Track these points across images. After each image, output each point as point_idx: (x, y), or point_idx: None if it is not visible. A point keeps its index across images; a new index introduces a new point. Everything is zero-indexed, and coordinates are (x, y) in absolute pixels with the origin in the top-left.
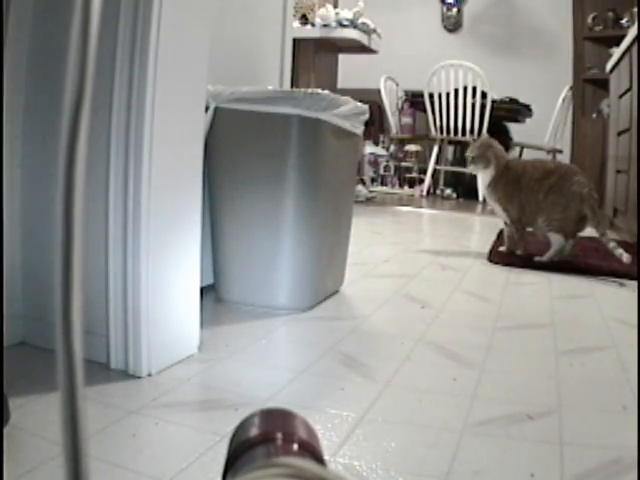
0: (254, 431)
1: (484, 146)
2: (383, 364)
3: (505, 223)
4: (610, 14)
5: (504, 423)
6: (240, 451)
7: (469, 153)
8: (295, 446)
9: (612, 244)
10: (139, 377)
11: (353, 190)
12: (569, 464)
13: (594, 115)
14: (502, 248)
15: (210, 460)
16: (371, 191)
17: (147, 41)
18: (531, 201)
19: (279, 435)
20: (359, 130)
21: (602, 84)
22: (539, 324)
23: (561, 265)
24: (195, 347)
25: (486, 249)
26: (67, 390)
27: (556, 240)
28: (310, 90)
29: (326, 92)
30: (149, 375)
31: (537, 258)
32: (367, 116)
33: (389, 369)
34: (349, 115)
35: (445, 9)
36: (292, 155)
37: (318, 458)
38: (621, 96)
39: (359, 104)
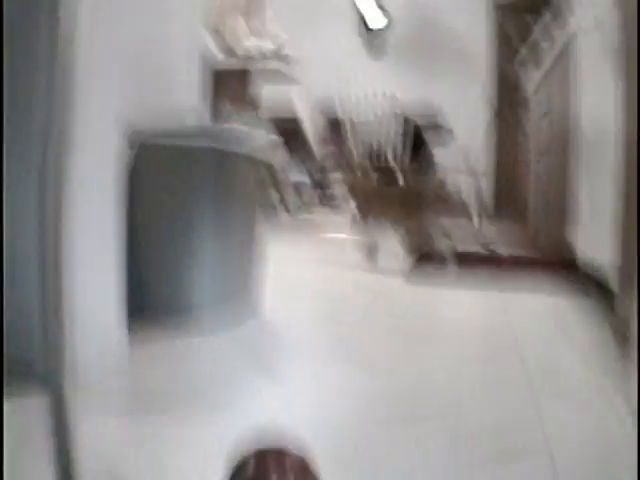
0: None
1: None
2: (296, 373)
3: None
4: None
5: (404, 422)
6: None
7: None
8: None
9: None
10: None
11: (267, 216)
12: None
13: (519, 138)
14: None
15: (140, 456)
16: (295, 218)
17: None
18: None
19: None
20: (272, 160)
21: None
22: (446, 335)
23: None
24: (124, 361)
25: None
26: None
27: None
28: (226, 125)
29: (240, 126)
30: None
31: None
32: (280, 147)
33: (301, 377)
34: (262, 147)
35: (369, 36)
36: (209, 185)
37: None
38: (542, 118)
39: (272, 136)
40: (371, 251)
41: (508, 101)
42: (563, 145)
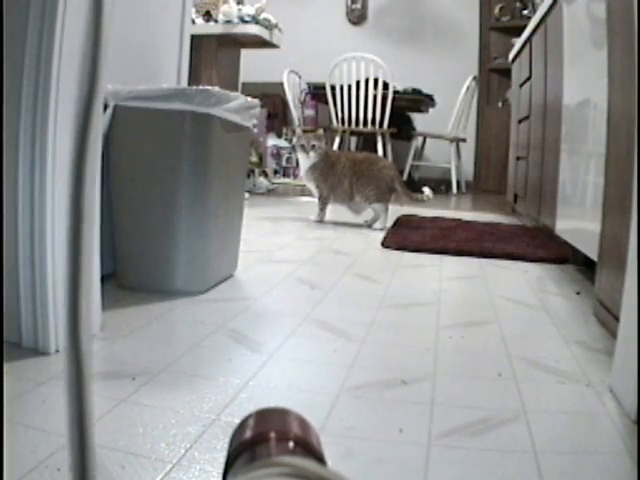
0: (248, 433)
1: (322, 138)
2: (269, 338)
3: (319, 197)
4: (518, 4)
5: (379, 387)
6: (237, 453)
7: (308, 142)
8: (290, 444)
9: (420, 196)
10: (48, 353)
11: (244, 180)
12: (437, 421)
13: (500, 104)
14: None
15: (109, 420)
16: (273, 183)
17: (51, 45)
18: (344, 183)
19: (272, 435)
20: (249, 123)
21: (507, 74)
22: (424, 302)
23: (456, 249)
24: (97, 327)
25: (381, 235)
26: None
27: (379, 208)
28: (200, 87)
29: (216, 88)
30: (57, 351)
31: (375, 225)
32: (257, 110)
33: (274, 343)
34: (239, 109)
35: (350, 2)
36: (185, 148)
37: (315, 454)
38: (522, 85)
39: (249, 99)
40: (355, 211)
41: (489, 67)
42: (543, 112)
